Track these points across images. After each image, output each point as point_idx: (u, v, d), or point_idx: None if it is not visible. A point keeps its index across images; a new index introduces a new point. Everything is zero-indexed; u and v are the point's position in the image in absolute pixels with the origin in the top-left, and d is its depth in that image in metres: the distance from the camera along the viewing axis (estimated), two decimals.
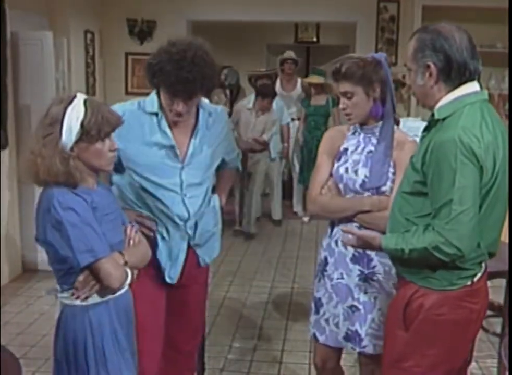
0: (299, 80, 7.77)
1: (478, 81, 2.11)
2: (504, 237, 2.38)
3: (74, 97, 2.15)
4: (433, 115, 2.11)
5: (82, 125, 2.10)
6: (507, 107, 6.34)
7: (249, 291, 5.10)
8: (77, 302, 2.17)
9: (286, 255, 6.11)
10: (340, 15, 7.04)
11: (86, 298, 2.17)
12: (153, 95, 2.62)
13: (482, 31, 6.53)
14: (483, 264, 2.20)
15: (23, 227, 5.37)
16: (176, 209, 2.62)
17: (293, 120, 7.55)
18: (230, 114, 8.47)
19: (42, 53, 5.20)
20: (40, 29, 5.55)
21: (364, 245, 2.30)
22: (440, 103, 2.09)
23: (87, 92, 6.31)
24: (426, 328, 2.13)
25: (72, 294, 2.16)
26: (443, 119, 2.06)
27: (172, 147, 2.60)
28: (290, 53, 7.72)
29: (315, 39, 10.03)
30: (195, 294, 2.90)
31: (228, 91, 7.97)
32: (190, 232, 2.68)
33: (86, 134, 2.10)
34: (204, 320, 3.19)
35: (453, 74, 2.06)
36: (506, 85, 6.49)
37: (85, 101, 2.14)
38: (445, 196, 1.98)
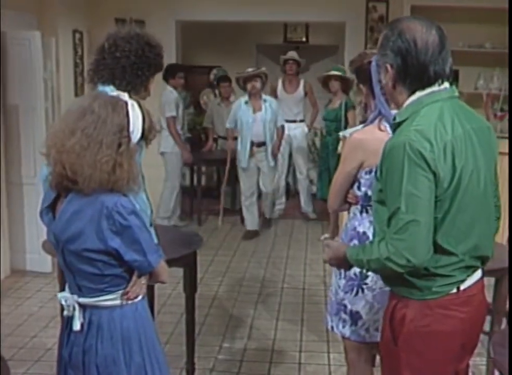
0: (302, 81, 7.48)
1: (457, 81, 2.01)
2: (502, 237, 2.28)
3: None
4: (394, 119, 2.01)
5: None
6: (496, 106, 6.36)
7: (239, 291, 5.09)
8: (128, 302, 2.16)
9: (276, 255, 6.10)
10: (329, 15, 7.06)
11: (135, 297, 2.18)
12: (107, 89, 2.53)
13: (471, 31, 6.58)
14: (478, 271, 2.07)
15: (11, 227, 5.34)
16: (149, 207, 2.60)
17: (294, 121, 7.29)
18: None
19: (30, 53, 5.17)
20: (29, 28, 5.51)
21: (334, 256, 2.19)
22: (403, 105, 1.99)
23: (75, 93, 6.33)
24: (412, 342, 2.01)
25: (122, 295, 2.14)
26: (402, 123, 1.95)
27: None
28: (291, 54, 7.47)
29: (304, 39, 10.04)
30: None
31: (217, 91, 7.98)
32: (152, 227, 2.66)
33: None
34: None
35: (409, 79, 1.95)
36: (494, 84, 6.51)
37: None
38: (394, 204, 1.87)
